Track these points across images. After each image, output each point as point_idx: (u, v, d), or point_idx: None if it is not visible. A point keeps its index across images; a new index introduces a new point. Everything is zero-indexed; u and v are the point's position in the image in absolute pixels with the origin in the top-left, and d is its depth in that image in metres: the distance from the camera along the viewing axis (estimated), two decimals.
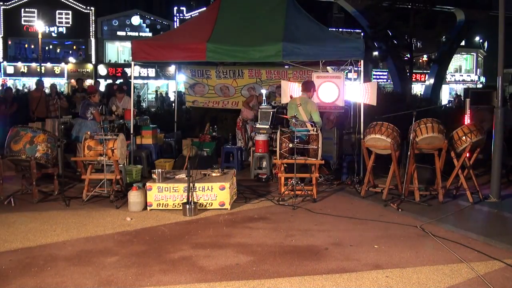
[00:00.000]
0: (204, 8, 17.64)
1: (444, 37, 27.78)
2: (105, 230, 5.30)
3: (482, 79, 41.95)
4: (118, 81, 13.42)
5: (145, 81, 34.01)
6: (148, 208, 6.10)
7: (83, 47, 34.55)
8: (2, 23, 32.59)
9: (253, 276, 3.98)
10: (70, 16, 33.45)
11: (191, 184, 5.93)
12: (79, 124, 8.34)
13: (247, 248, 4.68)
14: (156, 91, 31.65)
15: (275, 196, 6.91)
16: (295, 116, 6.99)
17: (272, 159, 7.99)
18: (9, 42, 33.45)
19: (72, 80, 32.96)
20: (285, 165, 6.90)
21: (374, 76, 34.99)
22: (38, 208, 6.22)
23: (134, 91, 8.98)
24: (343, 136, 8.39)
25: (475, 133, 6.66)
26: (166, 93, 29.91)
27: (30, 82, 31.51)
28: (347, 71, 9.02)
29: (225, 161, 8.97)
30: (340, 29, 33.62)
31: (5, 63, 32.59)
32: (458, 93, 33.04)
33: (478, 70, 42.43)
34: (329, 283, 3.86)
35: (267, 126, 8.27)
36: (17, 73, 32.85)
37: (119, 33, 34.88)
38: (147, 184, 6.16)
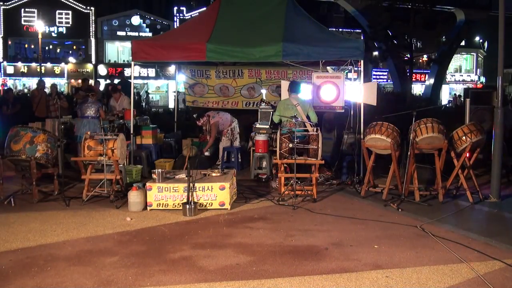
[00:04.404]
0: (204, 8, 17.65)
1: (444, 37, 27.81)
2: (105, 230, 5.30)
3: (482, 79, 41.96)
4: (116, 81, 13.40)
5: (145, 81, 33.99)
6: (148, 208, 6.10)
7: (83, 47, 34.54)
8: (2, 23, 32.57)
9: (253, 276, 3.98)
10: (70, 16, 33.43)
11: (191, 184, 5.93)
12: (84, 125, 8.30)
13: (247, 248, 4.68)
14: (138, 92, 27.88)
15: (275, 196, 6.91)
16: (295, 116, 7.00)
17: (272, 159, 7.99)
18: (9, 42, 33.45)
19: (73, 80, 32.96)
20: (285, 165, 6.90)
21: (374, 76, 34.99)
22: (38, 208, 6.22)
23: (134, 91, 8.99)
24: (342, 136, 8.40)
25: (475, 133, 6.66)
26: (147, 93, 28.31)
27: (30, 82, 31.51)
28: (347, 71, 9.02)
29: (225, 161, 8.97)
30: (340, 29, 33.64)
31: (5, 63, 32.58)
32: (458, 94, 33.08)
33: (478, 70, 42.44)
34: (329, 283, 3.86)
35: (267, 126, 8.27)
36: (17, 73, 32.84)
37: (119, 33, 34.88)
38: (147, 184, 6.16)
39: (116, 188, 6.53)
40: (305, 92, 8.32)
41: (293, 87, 7.48)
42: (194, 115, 9.50)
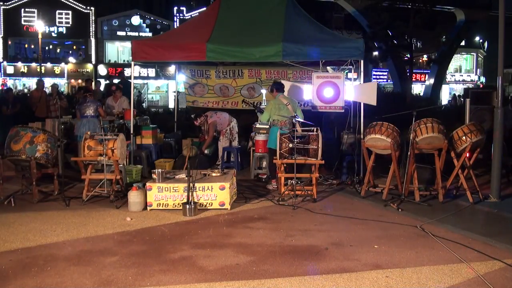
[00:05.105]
0: (204, 8, 17.64)
1: (444, 37, 27.83)
2: (105, 230, 5.30)
3: (482, 79, 41.94)
4: (115, 81, 13.40)
5: (145, 81, 33.98)
6: (148, 208, 6.10)
7: (83, 47, 34.53)
8: (2, 23, 32.55)
9: (253, 276, 3.98)
10: (70, 16, 33.42)
11: (191, 184, 5.93)
12: (83, 124, 8.31)
13: (247, 248, 4.68)
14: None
15: (275, 196, 6.91)
16: (295, 115, 7.01)
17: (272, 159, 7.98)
18: (9, 42, 33.43)
19: (73, 80, 32.95)
20: (284, 165, 6.90)
21: (374, 76, 34.96)
22: (38, 208, 6.23)
23: (134, 91, 8.99)
24: (342, 136, 8.39)
25: (475, 133, 6.66)
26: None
27: (30, 82, 31.50)
28: (347, 71, 9.02)
29: (225, 161, 8.97)
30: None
31: (5, 63, 32.56)
32: (456, 94, 33.08)
33: (478, 70, 42.41)
34: (329, 283, 3.86)
35: (267, 126, 8.26)
36: (17, 73, 32.82)
37: (119, 33, 34.85)
38: (147, 184, 6.16)
39: (116, 188, 6.53)
40: (307, 91, 8.34)
41: (280, 87, 7.64)
42: (192, 116, 9.51)
